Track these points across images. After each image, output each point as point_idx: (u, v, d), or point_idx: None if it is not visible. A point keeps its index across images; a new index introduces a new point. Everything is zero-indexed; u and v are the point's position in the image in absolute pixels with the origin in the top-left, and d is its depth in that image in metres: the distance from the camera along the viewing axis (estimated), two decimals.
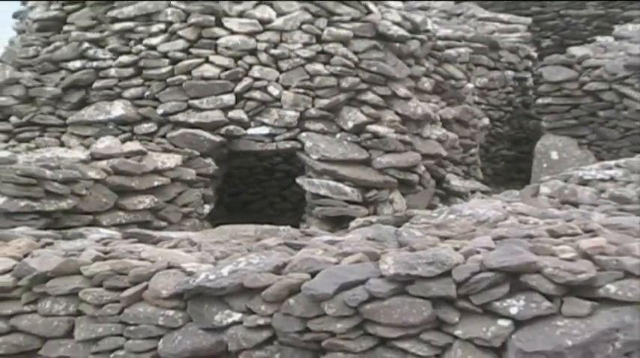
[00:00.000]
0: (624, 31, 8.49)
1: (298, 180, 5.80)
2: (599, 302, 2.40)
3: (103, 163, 5.15)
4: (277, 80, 5.79)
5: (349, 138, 5.75)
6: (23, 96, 5.98)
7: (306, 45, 5.85)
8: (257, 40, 5.82)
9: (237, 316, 2.70)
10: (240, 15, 5.88)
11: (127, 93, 5.83)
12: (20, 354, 2.96)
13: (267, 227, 4.27)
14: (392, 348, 2.52)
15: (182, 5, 5.85)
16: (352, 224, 4.19)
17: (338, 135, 5.77)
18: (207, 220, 5.65)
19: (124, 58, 5.85)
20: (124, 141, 5.53)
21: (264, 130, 5.74)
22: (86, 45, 5.93)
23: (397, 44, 6.17)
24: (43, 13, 6.21)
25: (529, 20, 10.20)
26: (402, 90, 5.99)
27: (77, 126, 5.80)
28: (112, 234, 3.75)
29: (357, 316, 2.55)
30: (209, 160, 5.71)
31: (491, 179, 8.07)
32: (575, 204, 3.92)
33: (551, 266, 2.44)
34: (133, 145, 5.44)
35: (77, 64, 5.93)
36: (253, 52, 5.82)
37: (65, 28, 6.09)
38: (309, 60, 5.82)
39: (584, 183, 4.41)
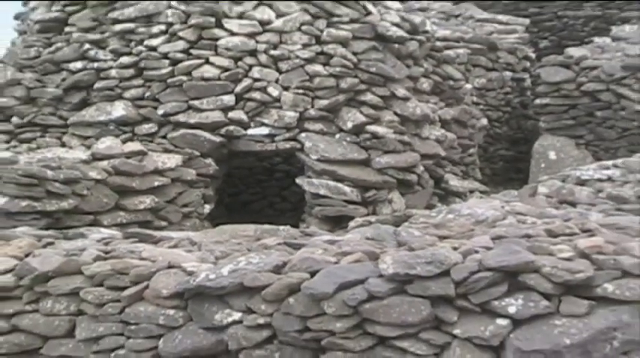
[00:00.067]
0: (621, 32, 8.51)
1: (298, 180, 5.82)
2: (597, 301, 2.41)
3: (104, 163, 5.16)
4: (277, 81, 5.81)
5: (348, 139, 5.77)
6: (24, 96, 6.00)
7: (305, 46, 5.87)
8: (257, 41, 5.84)
9: (237, 315, 2.70)
10: (240, 16, 5.90)
11: (127, 94, 5.84)
12: (22, 353, 2.96)
13: (266, 227, 4.28)
14: (391, 347, 2.53)
15: (182, 6, 5.87)
16: (351, 224, 4.20)
17: (337, 136, 5.79)
18: (207, 220, 5.67)
19: (125, 59, 5.86)
20: (124, 142, 5.54)
21: (264, 131, 5.76)
22: (87, 46, 5.95)
23: (396, 45, 6.19)
24: (45, 15, 6.23)
25: (527, 21, 10.21)
26: (400, 91, 6.01)
27: (78, 126, 5.82)
28: (112, 233, 3.75)
29: (356, 315, 2.55)
30: (209, 160, 5.73)
31: (489, 179, 8.09)
32: (573, 204, 3.93)
33: (549, 265, 2.45)
34: (134, 146, 5.45)
35: (78, 64, 5.95)
36: (253, 53, 5.84)
37: (66, 29, 6.11)
38: (309, 61, 5.84)
39: (582, 183, 4.42)
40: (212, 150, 5.75)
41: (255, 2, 5.96)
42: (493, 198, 4.43)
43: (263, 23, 5.88)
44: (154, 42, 5.83)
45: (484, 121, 7.56)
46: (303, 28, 5.90)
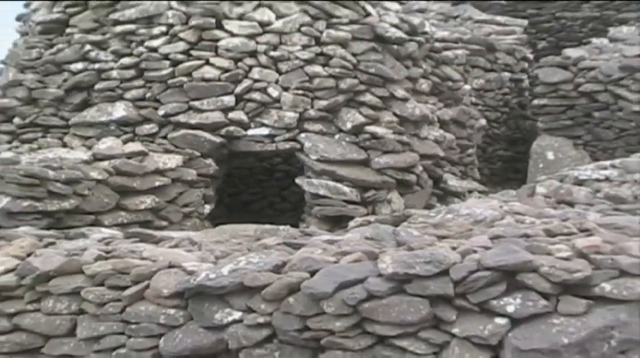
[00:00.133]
0: (619, 33, 8.54)
1: (297, 181, 5.84)
2: (595, 300, 2.42)
3: (105, 164, 5.18)
4: (277, 82, 5.83)
5: (348, 139, 5.78)
6: (26, 97, 6.02)
7: (305, 47, 5.89)
8: (257, 42, 5.86)
9: (237, 314, 2.71)
10: (240, 17, 5.92)
11: (128, 95, 5.86)
12: (23, 352, 2.98)
13: (266, 226, 4.30)
14: (390, 346, 2.54)
15: (183, 8, 5.89)
16: (351, 223, 4.21)
17: (337, 136, 5.81)
18: (207, 220, 5.69)
19: (126, 60, 5.88)
20: (125, 142, 5.56)
21: (264, 131, 5.78)
22: (88, 47, 5.97)
23: (395, 46, 6.21)
24: (46, 16, 6.25)
25: (525, 22, 10.22)
26: (399, 92, 6.03)
27: (79, 127, 5.84)
28: (113, 233, 3.77)
29: (355, 314, 2.56)
30: (209, 161, 5.75)
31: (488, 179, 8.10)
32: (571, 204, 3.94)
33: (548, 265, 2.45)
34: (135, 146, 5.47)
35: (79, 65, 5.97)
36: (253, 54, 5.86)
37: (68, 30, 6.13)
38: (308, 62, 5.86)
39: (580, 183, 4.43)
40: (212, 151, 5.77)
41: (255, 3, 5.98)
42: (491, 198, 4.45)
43: (263, 24, 5.90)
44: (155, 43, 5.85)
45: (482, 122, 7.59)
46: (303, 29, 5.92)
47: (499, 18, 10.12)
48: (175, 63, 5.81)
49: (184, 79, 5.76)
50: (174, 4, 5.93)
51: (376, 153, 5.78)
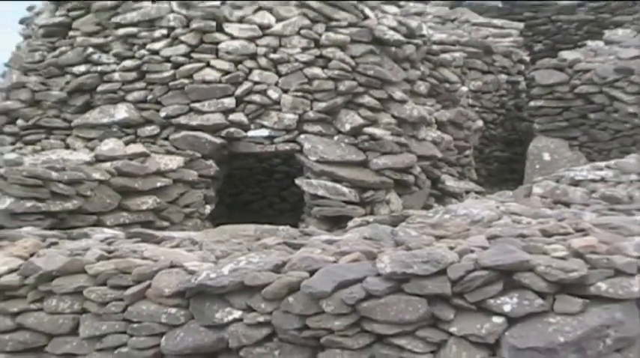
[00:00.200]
0: (614, 36, 8.59)
1: (297, 181, 5.86)
2: (591, 299, 2.45)
3: (107, 165, 5.19)
4: (276, 84, 5.86)
5: (347, 140, 5.81)
6: (29, 99, 6.03)
7: (304, 49, 5.92)
8: (257, 45, 5.89)
9: (237, 314, 2.73)
10: (241, 20, 5.95)
11: (130, 97, 5.88)
12: (26, 351, 3.00)
13: (266, 227, 4.32)
14: (388, 345, 2.56)
15: (184, 11, 5.92)
16: (350, 224, 4.23)
17: (336, 138, 5.83)
18: (208, 220, 5.71)
19: (128, 63, 5.90)
20: (127, 144, 5.58)
21: (264, 132, 5.80)
22: (91, 50, 5.98)
23: (393, 48, 6.24)
24: (49, 19, 6.28)
25: (522, 25, 10.25)
26: (398, 94, 6.06)
27: (82, 128, 5.86)
28: (115, 233, 3.78)
29: (354, 313, 2.58)
30: (210, 162, 5.77)
31: (485, 180, 8.13)
32: (567, 204, 3.97)
33: (544, 264, 2.48)
34: (136, 147, 5.49)
35: (82, 68, 5.99)
36: (253, 56, 5.89)
37: (70, 33, 6.15)
38: (308, 64, 5.88)
39: (576, 183, 4.46)
40: (213, 152, 5.80)
41: (255, 7, 6.02)
42: (489, 199, 4.47)
43: (263, 27, 5.93)
44: (157, 46, 5.88)
45: (480, 123, 7.62)
46: (302, 32, 5.95)
47: (496, 21, 10.15)
48: (176, 65, 5.84)
49: (185, 81, 5.79)
50: (175, 7, 5.96)
51: (375, 154, 5.81)
